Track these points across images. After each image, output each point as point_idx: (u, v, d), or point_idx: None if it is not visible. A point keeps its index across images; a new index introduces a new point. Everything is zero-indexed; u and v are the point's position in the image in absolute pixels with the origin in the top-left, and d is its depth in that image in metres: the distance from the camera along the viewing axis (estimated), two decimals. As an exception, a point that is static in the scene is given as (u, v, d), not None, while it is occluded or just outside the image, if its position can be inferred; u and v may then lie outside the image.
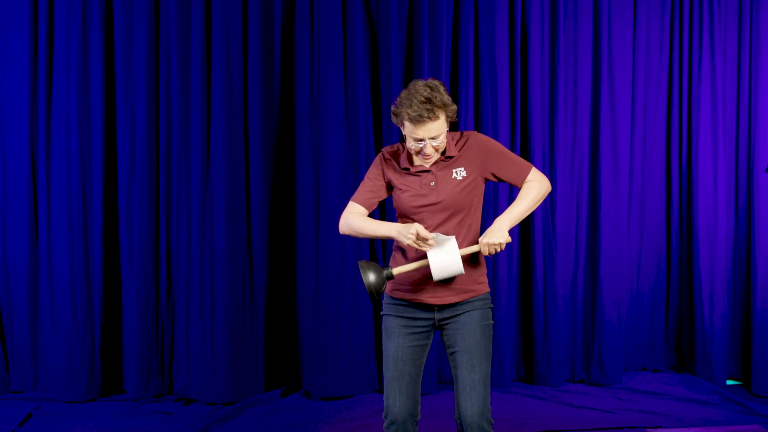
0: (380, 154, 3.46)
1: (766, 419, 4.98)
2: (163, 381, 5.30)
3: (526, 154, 5.50)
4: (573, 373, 5.67)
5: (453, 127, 3.62)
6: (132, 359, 5.22)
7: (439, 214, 3.32)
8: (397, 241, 3.35)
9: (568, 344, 5.62)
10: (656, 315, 5.85)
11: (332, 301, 5.24)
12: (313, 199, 5.26)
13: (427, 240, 3.17)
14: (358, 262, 3.22)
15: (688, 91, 5.68)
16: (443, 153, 3.34)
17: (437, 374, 5.54)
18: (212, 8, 5.12)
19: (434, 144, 3.24)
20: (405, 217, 3.40)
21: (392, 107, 3.29)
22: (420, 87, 3.21)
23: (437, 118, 3.20)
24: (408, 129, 3.23)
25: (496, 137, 5.38)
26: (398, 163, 3.40)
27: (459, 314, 3.39)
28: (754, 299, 5.55)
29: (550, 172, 5.51)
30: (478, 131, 5.41)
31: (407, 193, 3.34)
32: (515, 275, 5.54)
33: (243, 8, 5.15)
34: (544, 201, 5.48)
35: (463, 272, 3.25)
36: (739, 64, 5.67)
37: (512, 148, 5.48)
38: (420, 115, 3.16)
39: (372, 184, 3.43)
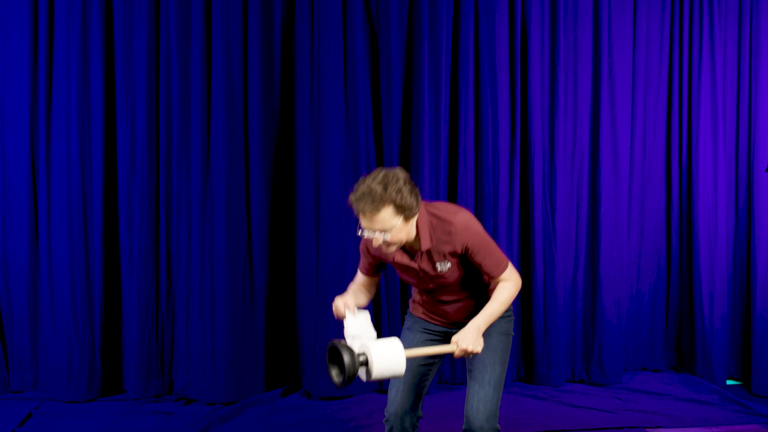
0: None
1: (766, 419, 4.98)
2: (163, 381, 5.29)
3: (526, 154, 5.50)
4: (573, 373, 5.66)
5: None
6: (132, 359, 5.21)
7: (437, 291, 3.39)
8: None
9: (568, 344, 5.62)
10: (656, 315, 5.84)
11: (332, 301, 5.13)
12: (313, 198, 5.26)
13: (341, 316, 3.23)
14: (331, 342, 3.13)
15: (688, 91, 5.67)
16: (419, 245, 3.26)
17: (437, 374, 5.54)
18: (212, 8, 5.11)
19: (382, 237, 3.13)
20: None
21: None
22: (375, 175, 3.12)
23: (377, 211, 3.07)
24: (360, 219, 3.16)
25: (495, 137, 5.38)
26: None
27: None
28: (754, 299, 5.55)
29: (549, 172, 5.51)
30: (478, 131, 5.39)
31: (401, 275, 3.41)
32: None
33: (243, 8, 5.14)
34: (544, 200, 5.48)
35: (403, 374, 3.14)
36: (739, 64, 5.66)
37: (512, 149, 5.46)
38: (358, 206, 3.09)
39: (362, 261, 3.48)
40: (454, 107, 5.40)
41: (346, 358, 3.00)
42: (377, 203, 3.06)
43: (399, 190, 3.09)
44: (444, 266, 3.28)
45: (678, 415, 5.00)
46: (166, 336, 5.30)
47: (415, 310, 3.57)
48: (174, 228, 5.23)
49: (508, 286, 3.32)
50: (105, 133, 5.14)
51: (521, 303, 5.61)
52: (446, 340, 3.49)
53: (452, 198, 5.43)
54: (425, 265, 3.29)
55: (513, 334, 3.49)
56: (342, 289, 5.03)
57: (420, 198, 3.18)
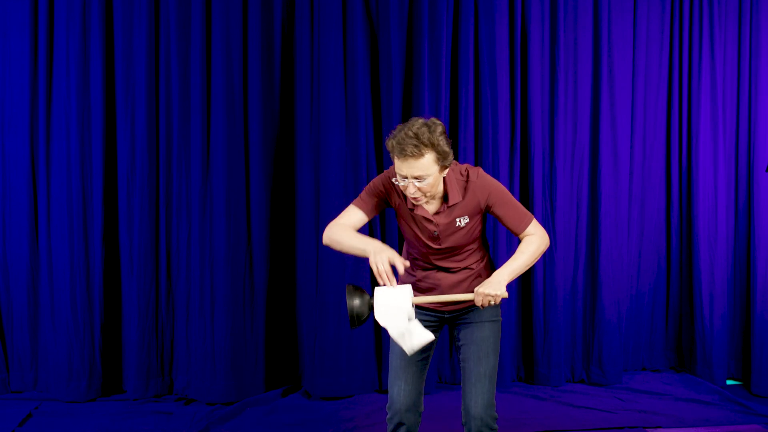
0: (388, 178, 3.35)
1: (766, 419, 4.98)
2: (163, 381, 5.29)
3: (526, 153, 5.49)
4: (573, 373, 5.66)
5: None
6: (132, 359, 5.21)
7: (441, 253, 3.34)
8: (407, 246, 3.39)
9: (568, 344, 5.61)
10: (656, 315, 5.84)
11: (332, 301, 5.23)
12: (313, 198, 5.26)
13: (382, 277, 3.10)
14: (346, 286, 3.17)
15: (688, 91, 5.66)
16: (446, 200, 3.26)
17: (437, 374, 5.53)
18: (212, 8, 5.10)
19: (418, 185, 3.11)
20: (409, 241, 3.41)
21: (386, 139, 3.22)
22: (414, 121, 3.12)
23: (421, 155, 3.05)
24: (395, 163, 3.13)
25: (495, 137, 5.37)
26: (405, 199, 3.33)
27: (468, 311, 3.44)
28: (754, 299, 5.54)
29: (549, 172, 5.49)
30: (478, 131, 5.39)
31: (410, 231, 3.33)
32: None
33: (243, 8, 5.14)
34: (544, 200, 5.47)
35: (402, 328, 3.13)
36: (739, 64, 5.66)
37: (512, 149, 5.46)
38: (403, 149, 3.04)
39: (368, 200, 3.36)
40: (454, 107, 5.40)
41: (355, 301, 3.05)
42: (422, 147, 3.03)
43: (442, 135, 3.10)
44: (462, 221, 3.25)
45: (678, 415, 5.00)
46: (166, 336, 5.29)
47: None
48: (174, 228, 5.23)
49: (534, 240, 3.30)
50: (105, 133, 5.13)
51: (521, 302, 5.59)
52: (439, 327, 3.49)
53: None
54: (443, 219, 3.24)
55: (501, 318, 3.48)
56: (342, 288, 5.14)
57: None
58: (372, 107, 5.30)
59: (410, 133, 3.04)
